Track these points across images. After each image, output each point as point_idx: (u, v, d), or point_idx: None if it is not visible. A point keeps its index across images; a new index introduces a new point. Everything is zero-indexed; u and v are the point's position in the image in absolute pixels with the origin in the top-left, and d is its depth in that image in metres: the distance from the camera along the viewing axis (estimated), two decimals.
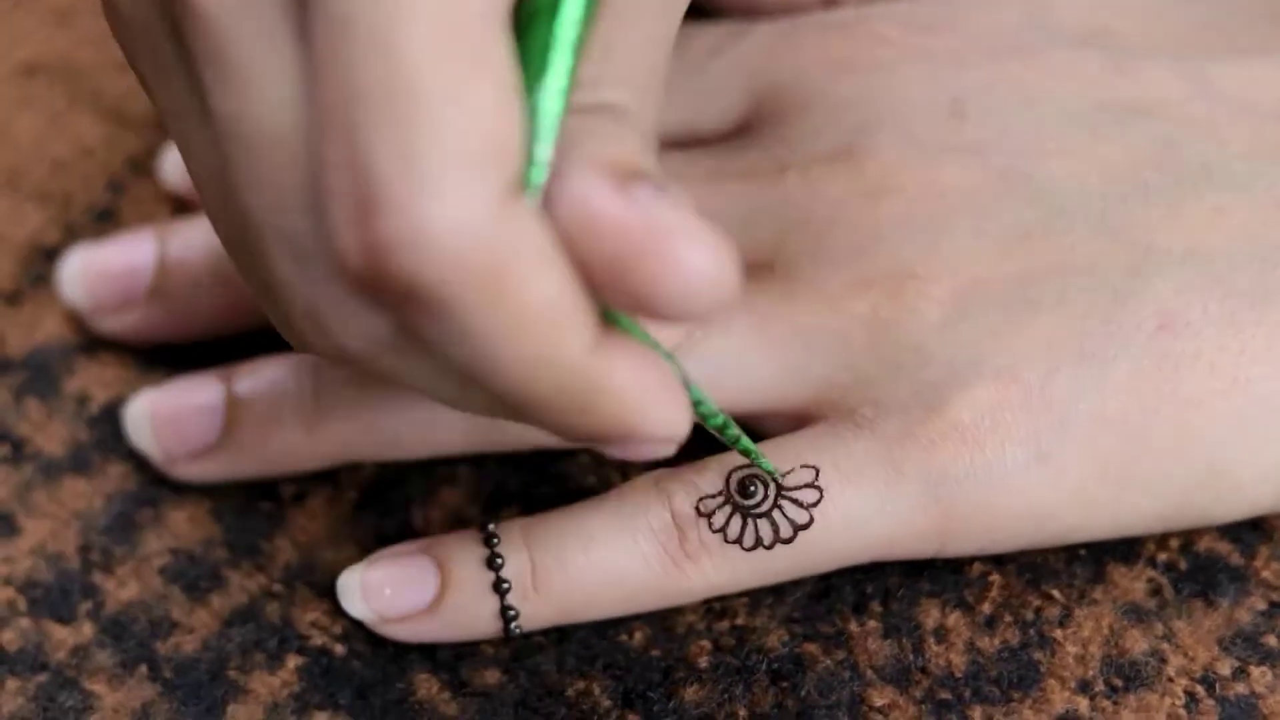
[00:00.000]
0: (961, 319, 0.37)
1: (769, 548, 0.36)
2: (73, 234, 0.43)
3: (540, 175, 0.29)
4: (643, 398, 0.30)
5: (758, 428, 0.38)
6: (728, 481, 0.36)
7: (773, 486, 0.36)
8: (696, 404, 0.33)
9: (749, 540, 0.36)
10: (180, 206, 0.43)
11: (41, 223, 0.43)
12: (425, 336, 0.29)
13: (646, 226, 0.28)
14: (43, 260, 0.42)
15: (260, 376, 0.38)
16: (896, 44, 0.40)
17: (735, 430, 0.35)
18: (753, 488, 0.36)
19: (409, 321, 0.29)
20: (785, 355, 0.37)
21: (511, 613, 0.36)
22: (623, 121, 0.31)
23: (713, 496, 0.36)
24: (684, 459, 0.37)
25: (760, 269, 0.38)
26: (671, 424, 0.30)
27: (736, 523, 0.36)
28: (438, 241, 0.28)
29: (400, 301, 0.28)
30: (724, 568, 0.36)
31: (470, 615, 0.36)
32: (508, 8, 0.29)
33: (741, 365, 0.37)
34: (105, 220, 0.43)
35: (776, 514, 0.36)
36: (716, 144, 0.40)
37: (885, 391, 0.36)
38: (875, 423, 0.36)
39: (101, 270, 0.41)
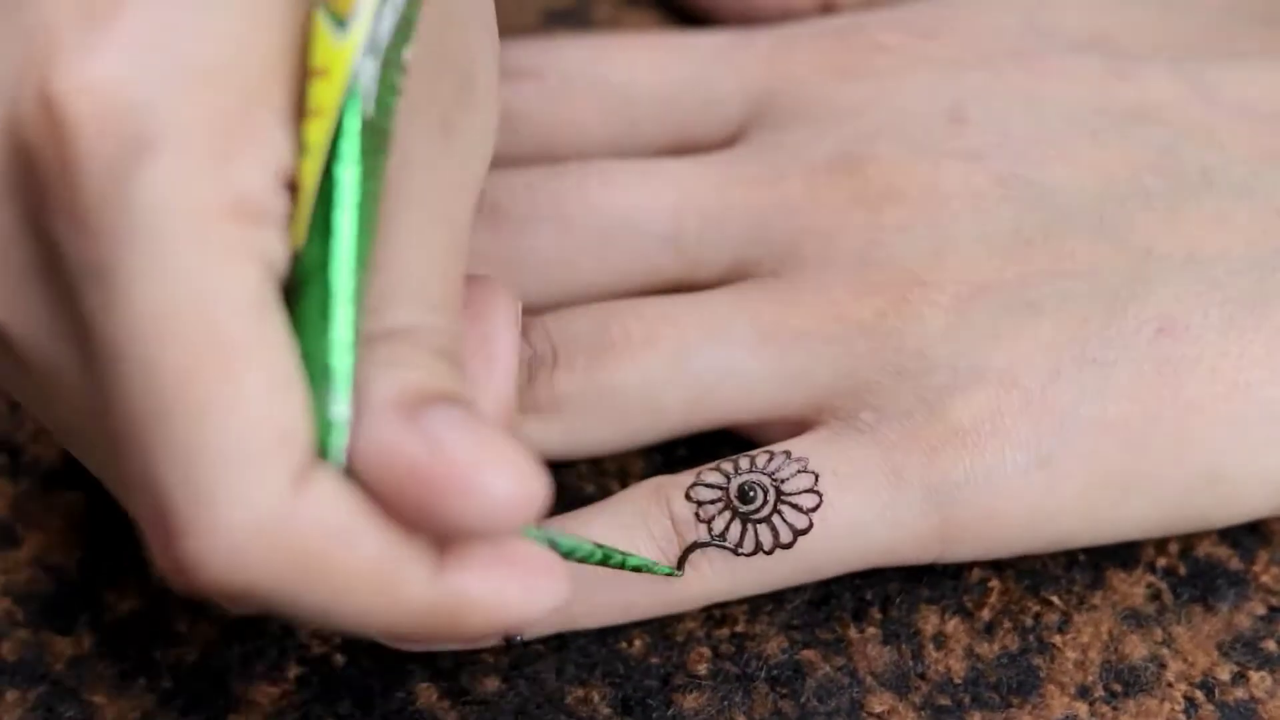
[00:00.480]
0: (964, 325, 0.37)
1: (768, 553, 0.36)
2: None
3: (341, 436, 0.28)
4: (505, 597, 0.30)
5: (758, 435, 0.38)
6: (727, 487, 0.36)
7: (772, 492, 0.36)
8: (570, 555, 0.33)
9: (748, 545, 0.36)
10: None
11: None
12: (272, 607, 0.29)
13: (440, 462, 0.28)
14: None
15: None
16: (895, 51, 0.40)
17: (619, 556, 0.35)
18: (752, 493, 0.36)
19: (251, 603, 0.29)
20: (787, 362, 0.37)
21: None
22: (412, 343, 0.30)
23: (712, 502, 0.36)
24: (684, 465, 0.37)
25: (767, 278, 0.38)
26: (544, 601, 0.30)
27: (736, 528, 0.36)
28: (235, 551, 0.27)
29: (233, 601, 0.29)
30: (723, 574, 0.36)
31: None
32: (276, 282, 0.28)
33: (742, 373, 0.37)
34: None
35: (776, 519, 0.36)
36: (715, 151, 0.40)
37: (887, 397, 0.36)
38: (876, 429, 0.36)
39: None
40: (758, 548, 0.36)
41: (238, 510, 0.27)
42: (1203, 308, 0.36)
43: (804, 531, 0.36)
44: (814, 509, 0.36)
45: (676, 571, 0.36)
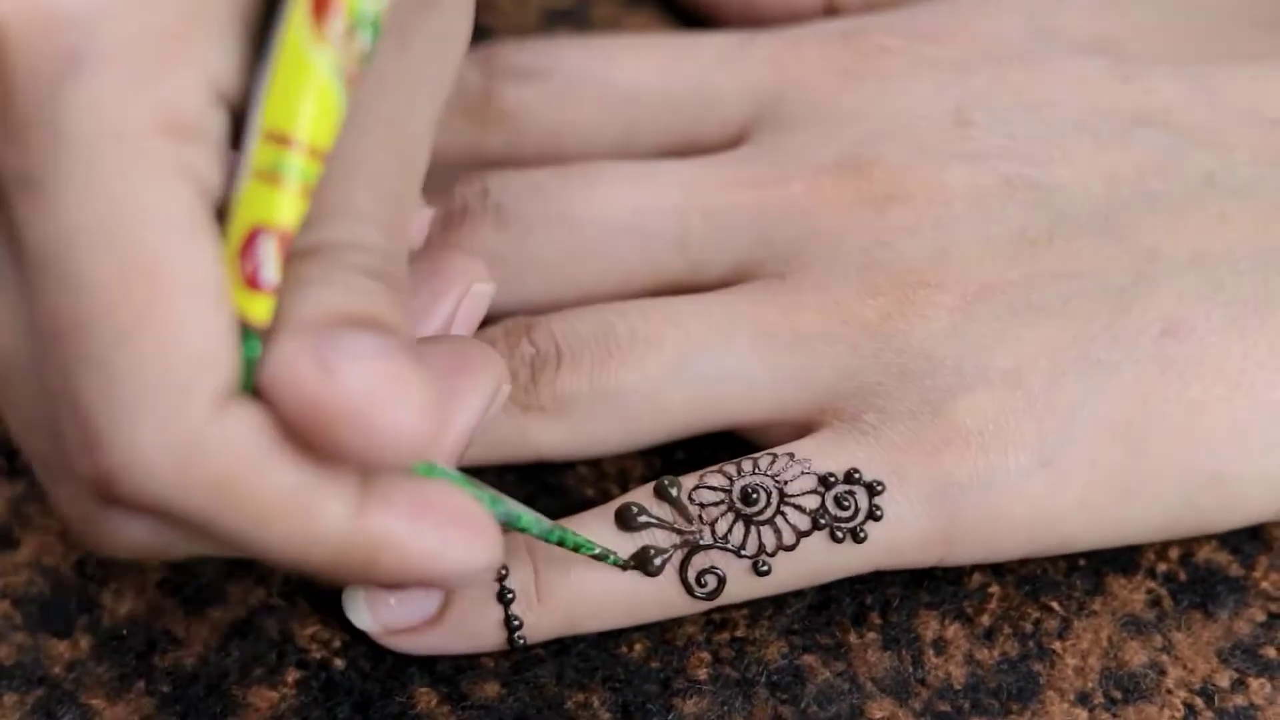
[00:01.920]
0: (968, 325, 0.37)
1: (771, 555, 0.36)
2: None
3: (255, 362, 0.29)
4: (421, 544, 0.30)
5: (761, 438, 0.38)
6: (730, 489, 0.36)
7: (775, 494, 0.36)
8: (514, 524, 0.33)
9: (751, 548, 0.36)
10: None
11: None
12: (189, 532, 0.29)
13: (333, 392, 0.28)
14: None
15: None
16: (899, 53, 0.40)
17: (560, 532, 0.35)
18: (755, 495, 0.36)
19: (168, 523, 0.29)
20: (790, 364, 0.37)
21: (516, 623, 0.36)
22: (335, 261, 0.30)
23: (715, 504, 0.36)
24: (683, 468, 0.37)
25: (772, 280, 0.38)
26: (463, 556, 0.30)
27: (739, 529, 0.36)
28: (153, 468, 0.28)
29: (148, 513, 0.29)
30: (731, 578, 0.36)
31: (474, 625, 0.36)
32: (210, 202, 0.28)
33: (746, 375, 0.37)
34: None
35: (779, 520, 0.36)
36: (718, 153, 0.40)
37: (890, 399, 0.36)
38: (879, 430, 0.36)
39: None
40: (760, 549, 0.36)
41: (155, 430, 0.28)
42: (1206, 309, 0.36)
43: (807, 533, 0.36)
44: (816, 510, 0.36)
45: (629, 563, 0.36)
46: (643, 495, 0.36)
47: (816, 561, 0.36)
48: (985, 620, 0.37)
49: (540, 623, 0.36)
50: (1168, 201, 0.37)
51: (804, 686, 0.37)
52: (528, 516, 0.34)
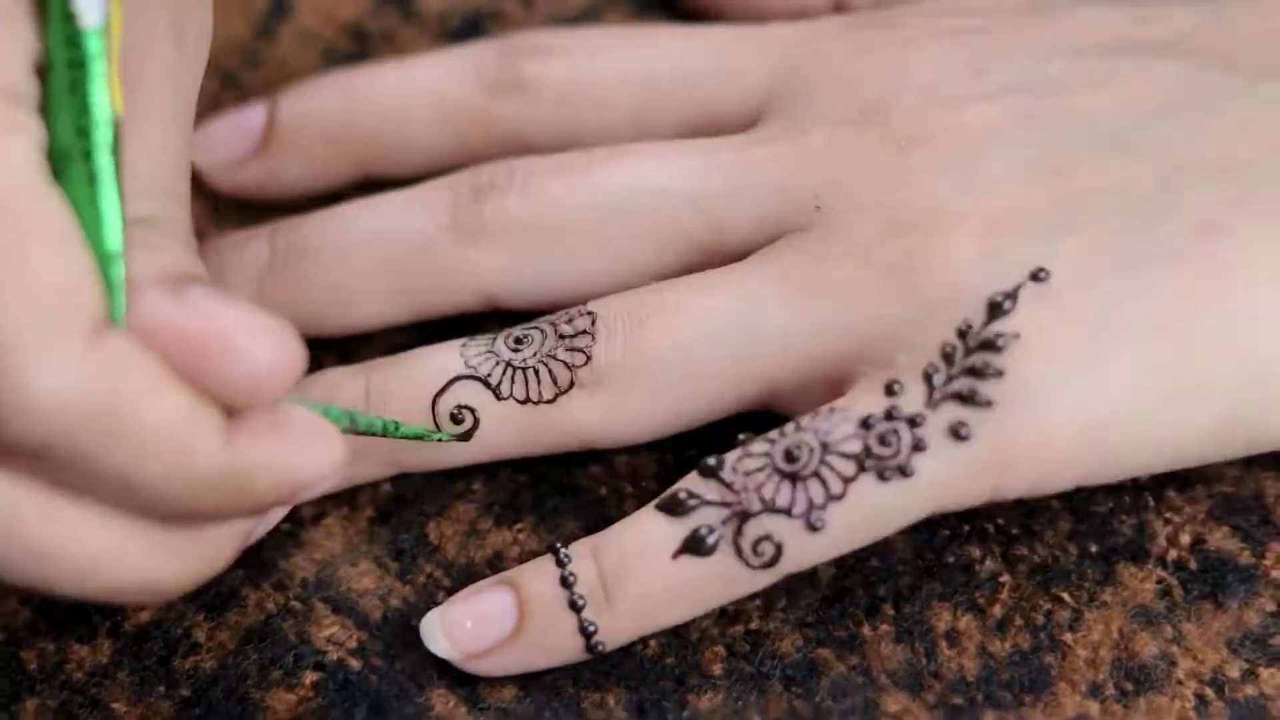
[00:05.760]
0: (994, 250, 0.36)
1: (821, 508, 0.36)
2: None
3: (121, 298, 0.31)
4: (291, 460, 0.32)
5: (797, 409, 0.38)
6: (771, 453, 0.36)
7: (818, 447, 0.36)
8: (353, 425, 0.36)
9: (800, 506, 0.36)
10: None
11: None
12: (70, 483, 0.31)
13: (207, 328, 0.31)
14: None
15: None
16: (916, 28, 0.40)
17: (394, 424, 0.37)
18: (797, 452, 0.36)
19: (55, 477, 0.31)
20: (819, 314, 0.37)
21: (590, 628, 0.36)
22: (161, 231, 0.33)
23: (760, 470, 0.36)
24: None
25: (794, 235, 0.38)
26: (326, 463, 0.32)
27: (786, 489, 0.36)
28: (36, 404, 0.29)
29: (33, 460, 0.30)
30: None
31: (551, 636, 0.36)
32: (42, 160, 0.30)
33: (776, 330, 0.37)
34: None
35: (824, 470, 0.36)
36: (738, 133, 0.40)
37: (922, 332, 0.36)
38: (914, 368, 0.36)
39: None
40: (810, 505, 0.36)
41: (34, 368, 0.29)
42: (1238, 209, 0.36)
43: (853, 478, 0.35)
44: (857, 455, 0.35)
45: (442, 435, 0.37)
46: (687, 479, 0.37)
47: (870, 507, 0.36)
48: (997, 611, 0.38)
49: (614, 624, 0.36)
50: (1188, 115, 0.37)
51: (818, 681, 0.37)
52: (363, 417, 0.36)
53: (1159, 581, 0.38)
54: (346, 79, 0.42)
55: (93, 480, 0.31)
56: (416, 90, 0.42)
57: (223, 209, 0.43)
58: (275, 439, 0.32)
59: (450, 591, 0.38)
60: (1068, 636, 0.37)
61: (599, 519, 0.39)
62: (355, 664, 0.37)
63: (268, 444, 0.32)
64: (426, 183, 0.40)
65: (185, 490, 0.31)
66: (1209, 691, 0.37)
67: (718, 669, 0.37)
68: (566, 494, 0.39)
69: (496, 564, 0.39)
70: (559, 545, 0.37)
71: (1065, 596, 0.38)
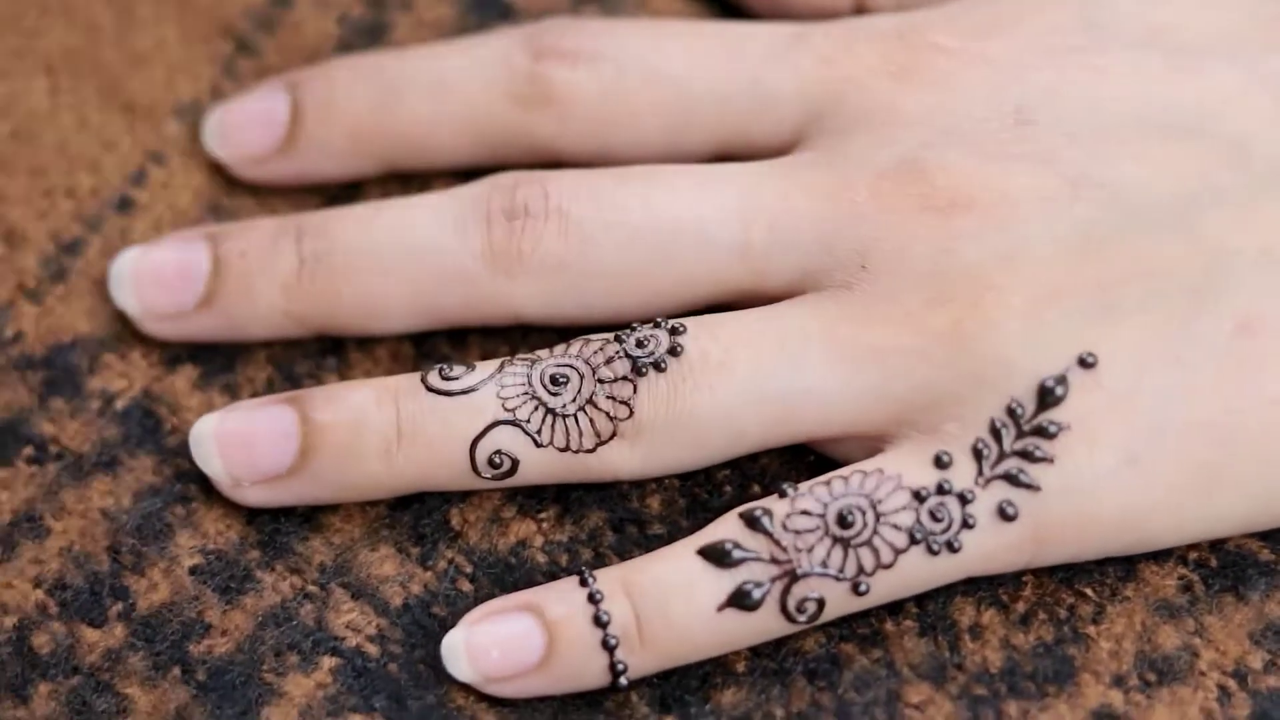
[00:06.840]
0: (1041, 328, 0.37)
1: (870, 575, 0.36)
2: (94, 227, 0.42)
3: None
4: None
5: (831, 450, 0.38)
6: (824, 514, 0.36)
7: (871, 514, 0.36)
8: None
9: (850, 570, 0.36)
10: (201, 192, 0.43)
11: (63, 217, 0.42)
12: None
13: None
14: (64, 255, 0.42)
15: (340, 404, 0.38)
16: (955, 53, 0.39)
17: None
18: (850, 517, 0.36)
19: None
20: (864, 378, 0.37)
21: (621, 666, 0.36)
22: None
23: (811, 531, 0.36)
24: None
25: (838, 291, 0.38)
26: None
27: (838, 554, 0.36)
28: None
29: None
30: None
31: (579, 672, 0.36)
32: None
33: (820, 392, 0.37)
34: (126, 209, 0.42)
35: (876, 540, 0.36)
36: (778, 158, 0.40)
37: (969, 407, 0.36)
38: (963, 440, 0.36)
39: (154, 275, 0.40)
40: (860, 571, 0.36)
41: None
42: (1278, 304, 0.37)
43: (904, 550, 0.36)
44: (911, 526, 0.36)
45: None
46: (731, 527, 0.36)
47: (914, 575, 0.36)
48: (1020, 606, 0.38)
49: (644, 664, 0.36)
50: (1235, 195, 0.38)
51: (841, 673, 0.37)
52: None
53: (1180, 578, 0.38)
54: (373, 71, 0.42)
55: None
56: (446, 97, 0.41)
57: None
58: None
59: (471, 579, 0.38)
60: (1091, 629, 0.37)
61: (624, 512, 0.39)
62: (374, 651, 0.37)
63: None
64: (456, 191, 0.40)
65: None
66: (1231, 683, 0.37)
67: (741, 665, 0.37)
68: (591, 485, 0.39)
69: (519, 552, 0.38)
70: (588, 575, 0.36)
71: (1088, 591, 0.38)
